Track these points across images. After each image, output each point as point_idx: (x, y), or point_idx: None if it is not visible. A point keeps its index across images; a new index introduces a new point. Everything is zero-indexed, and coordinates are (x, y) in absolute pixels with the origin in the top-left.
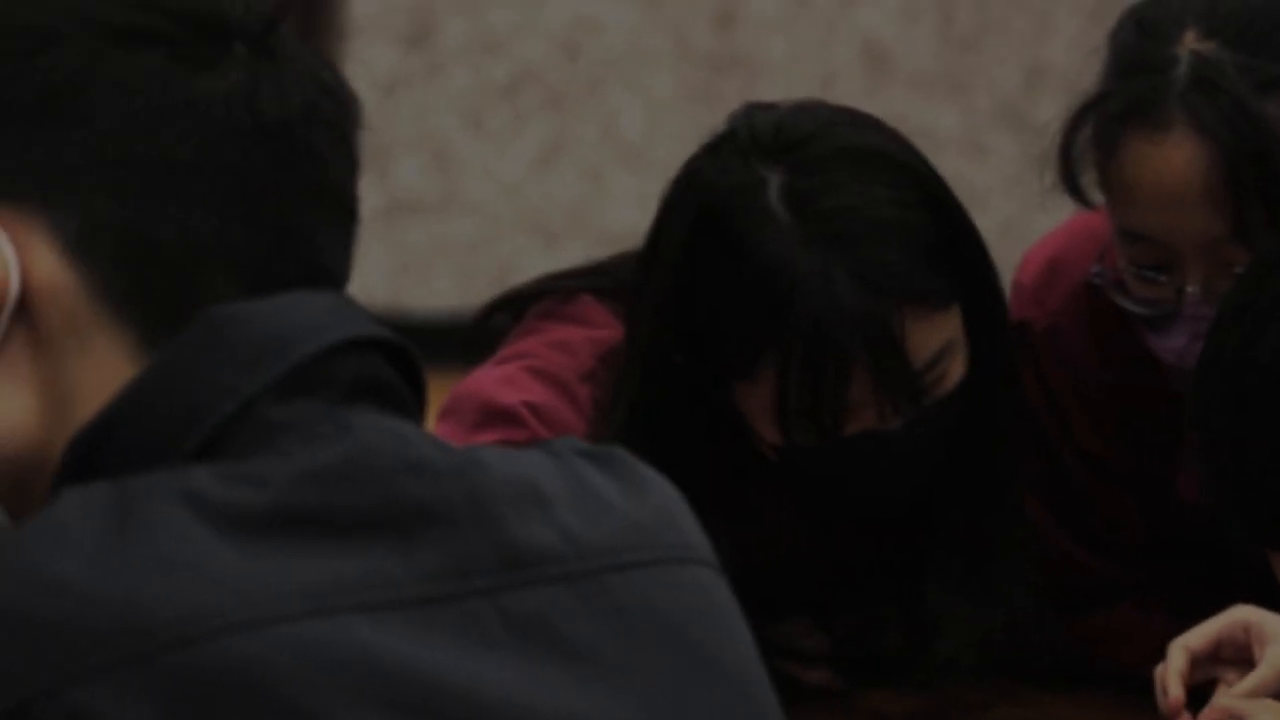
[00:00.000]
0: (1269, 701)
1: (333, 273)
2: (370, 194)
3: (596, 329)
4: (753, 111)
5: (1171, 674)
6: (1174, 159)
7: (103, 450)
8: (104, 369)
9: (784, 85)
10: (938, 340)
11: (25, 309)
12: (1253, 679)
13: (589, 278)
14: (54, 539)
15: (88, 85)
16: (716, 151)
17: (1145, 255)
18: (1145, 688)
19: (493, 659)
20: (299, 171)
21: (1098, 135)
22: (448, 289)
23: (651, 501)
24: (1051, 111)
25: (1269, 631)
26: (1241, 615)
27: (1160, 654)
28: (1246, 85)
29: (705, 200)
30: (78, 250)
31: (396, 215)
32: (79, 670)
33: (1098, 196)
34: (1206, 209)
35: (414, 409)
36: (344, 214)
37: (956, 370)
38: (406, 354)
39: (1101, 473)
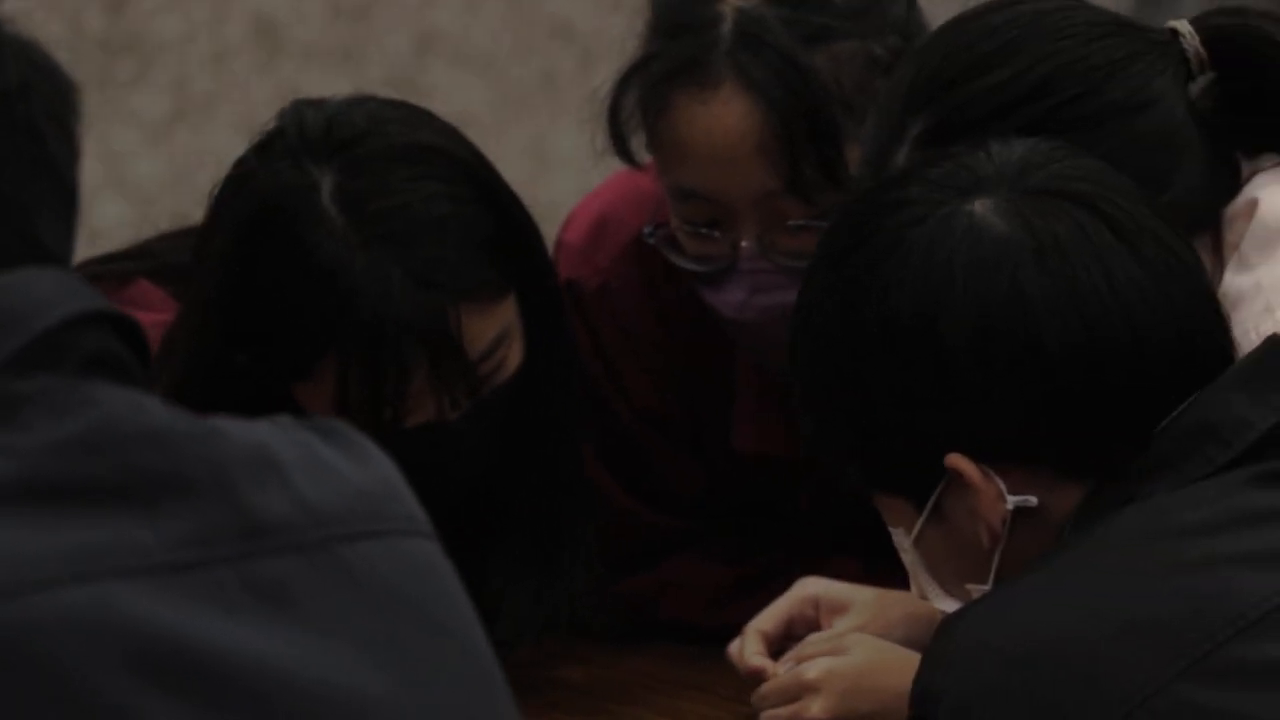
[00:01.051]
0: (861, 635)
1: (53, 251)
2: None
3: (158, 313)
4: (302, 109)
5: (750, 657)
6: (724, 116)
7: None
8: None
9: (177, 65)
10: (494, 330)
11: None
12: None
13: (138, 260)
14: None
15: None
16: (267, 150)
17: (698, 212)
18: (709, 636)
19: (241, 625)
20: (16, 146)
21: (645, 97)
22: None
23: (376, 472)
24: (442, 78)
25: (838, 602)
26: (810, 591)
27: (720, 601)
28: (793, 39)
29: (258, 201)
30: None
31: None
32: None
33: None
34: (759, 164)
35: (143, 380)
36: (64, 194)
37: (514, 357)
38: (133, 327)
39: (659, 429)
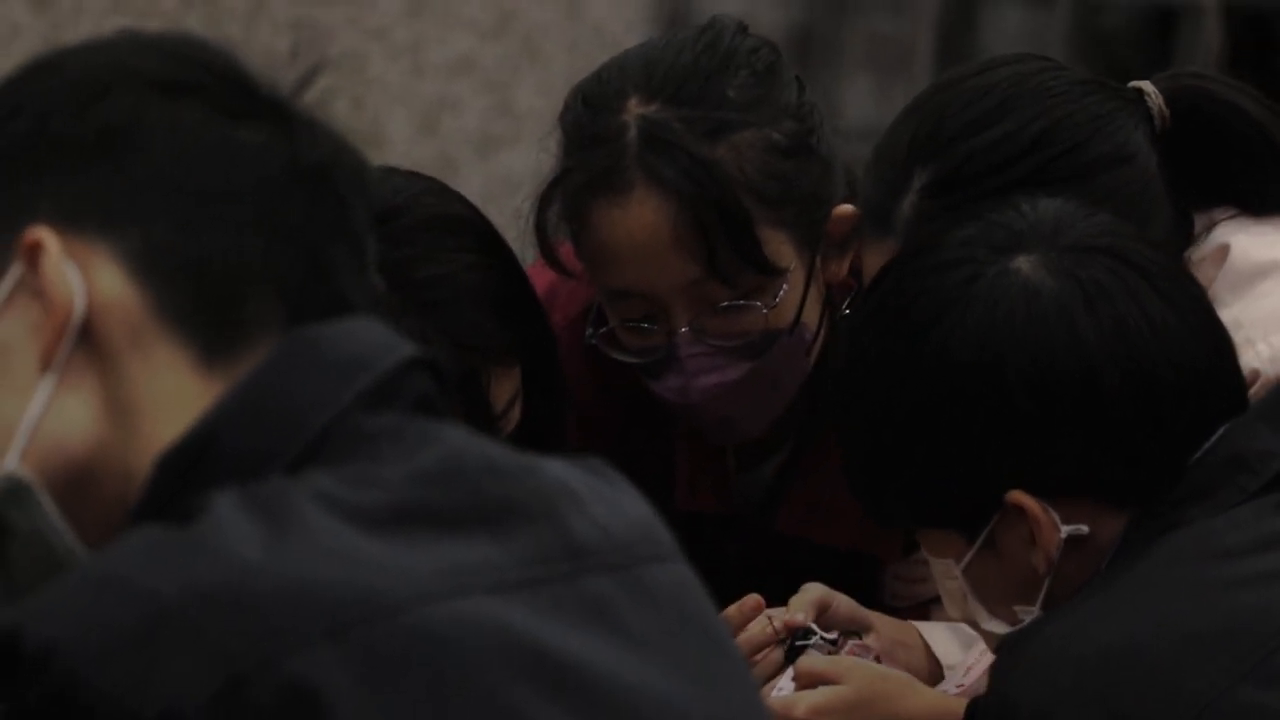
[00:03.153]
0: (859, 661)
1: (355, 304)
2: None
3: None
4: None
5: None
6: (640, 216)
7: (202, 460)
8: (167, 380)
9: None
10: (511, 390)
11: (89, 325)
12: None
13: None
14: (227, 532)
15: (139, 126)
16: None
17: (633, 309)
18: None
19: (585, 636)
20: (328, 211)
21: (566, 209)
22: None
23: (640, 504)
24: None
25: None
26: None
27: None
28: (694, 136)
29: None
30: (138, 269)
31: None
32: (287, 644)
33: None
34: (679, 257)
35: (451, 418)
36: (361, 256)
37: (515, 416)
38: (439, 371)
39: None
